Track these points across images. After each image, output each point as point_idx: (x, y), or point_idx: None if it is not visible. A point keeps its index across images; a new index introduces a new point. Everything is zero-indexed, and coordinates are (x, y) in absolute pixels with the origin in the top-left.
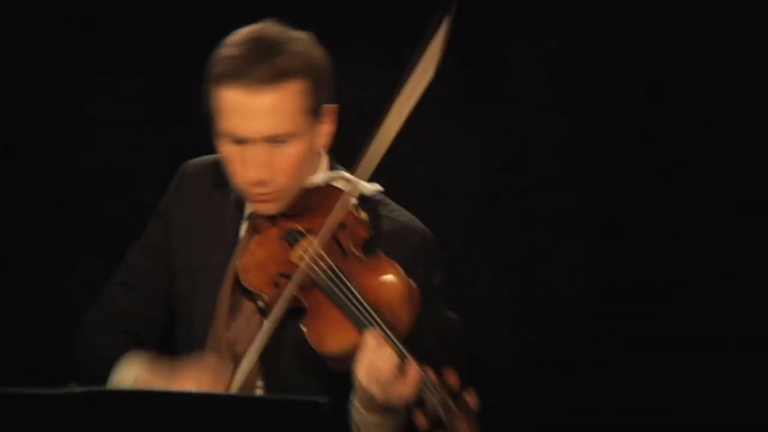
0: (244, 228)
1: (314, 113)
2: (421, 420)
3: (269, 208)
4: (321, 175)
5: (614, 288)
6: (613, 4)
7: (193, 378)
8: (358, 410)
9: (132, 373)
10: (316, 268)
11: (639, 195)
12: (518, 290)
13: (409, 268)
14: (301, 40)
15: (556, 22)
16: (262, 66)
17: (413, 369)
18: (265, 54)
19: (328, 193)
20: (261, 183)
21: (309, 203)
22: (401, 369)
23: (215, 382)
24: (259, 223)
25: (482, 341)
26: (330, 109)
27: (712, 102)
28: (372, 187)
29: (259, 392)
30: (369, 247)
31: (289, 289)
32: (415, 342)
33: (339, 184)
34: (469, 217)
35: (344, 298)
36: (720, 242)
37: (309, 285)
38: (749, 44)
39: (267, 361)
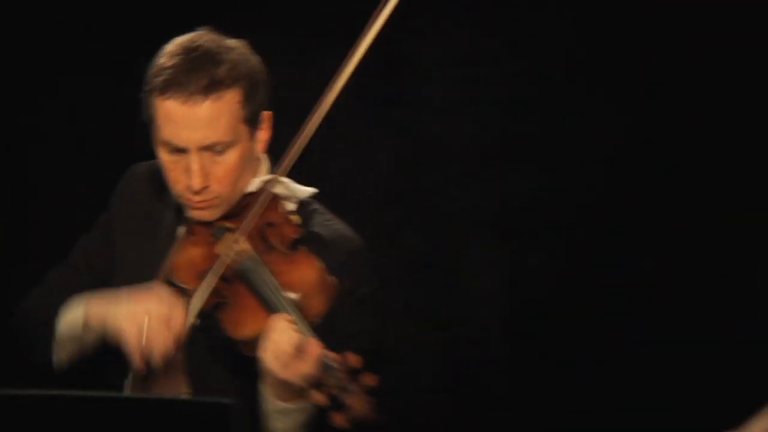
0: (181, 231)
1: (252, 121)
2: (319, 398)
3: (207, 215)
4: (256, 180)
5: (521, 288)
6: (522, 4)
7: (154, 296)
8: (265, 399)
9: (80, 311)
10: (237, 258)
11: (545, 195)
12: (425, 290)
13: (338, 275)
14: (236, 48)
15: (464, 22)
16: (200, 76)
17: (313, 347)
18: (202, 64)
19: (260, 196)
20: (199, 191)
21: (244, 206)
22: (302, 348)
23: (172, 303)
24: (194, 226)
25: (389, 341)
26: (267, 115)
27: (619, 102)
28: (307, 190)
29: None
30: (295, 246)
31: (210, 278)
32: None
33: (274, 187)
34: (376, 217)
35: (260, 285)
36: (622, 240)
37: (231, 277)
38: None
39: (193, 365)
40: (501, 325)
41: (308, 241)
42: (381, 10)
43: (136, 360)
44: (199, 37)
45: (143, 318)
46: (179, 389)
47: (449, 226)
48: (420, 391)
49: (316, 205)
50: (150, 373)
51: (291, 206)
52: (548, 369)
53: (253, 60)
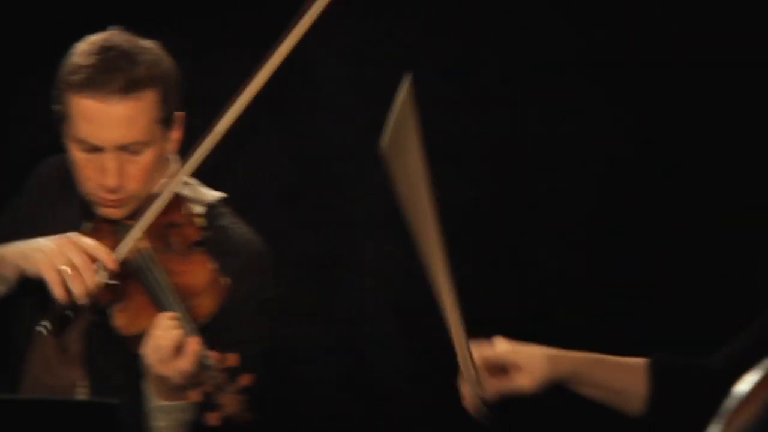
0: (86, 226)
1: (166, 122)
2: (195, 395)
3: (117, 213)
4: (164, 181)
5: (415, 286)
6: (415, 4)
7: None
8: (149, 398)
9: None
10: (134, 255)
11: (438, 193)
12: (320, 289)
13: (238, 279)
14: (152, 49)
15: (357, 22)
16: (118, 76)
17: (192, 345)
18: (120, 64)
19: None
20: (112, 190)
21: (149, 205)
22: (181, 345)
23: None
24: (99, 223)
25: (282, 340)
26: (179, 116)
27: (512, 99)
28: (215, 194)
29: (83, 393)
30: (195, 248)
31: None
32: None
33: (177, 188)
34: (271, 217)
35: (153, 283)
36: (507, 237)
37: (126, 274)
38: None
39: (91, 360)
40: (396, 323)
41: (211, 244)
42: (298, 21)
43: (57, 289)
44: (114, 36)
45: (63, 251)
46: (76, 381)
47: (343, 225)
48: (317, 389)
49: (224, 209)
50: (71, 309)
51: (198, 209)
52: (444, 366)
53: (168, 61)
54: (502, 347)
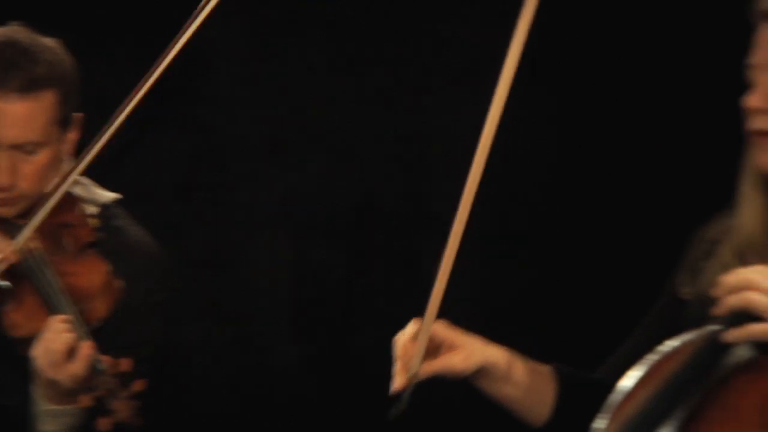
0: None
1: (64, 123)
2: (86, 400)
3: (6, 211)
4: (56, 180)
5: (308, 284)
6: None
7: None
8: (37, 402)
9: None
10: (25, 255)
11: (332, 191)
12: (213, 286)
13: (132, 282)
14: (53, 48)
15: (254, 19)
16: (18, 74)
17: (85, 349)
18: (20, 62)
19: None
20: (3, 188)
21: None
22: (73, 349)
23: None
24: None
25: (175, 340)
26: (77, 117)
27: (399, 97)
28: (109, 195)
29: None
30: (88, 249)
31: None
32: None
33: (75, 189)
34: (164, 214)
35: (43, 284)
36: (407, 236)
37: (16, 275)
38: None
39: None
40: (289, 321)
41: (104, 245)
42: (193, 19)
43: None
44: (14, 32)
45: None
46: None
47: (237, 222)
48: (210, 388)
49: (118, 211)
50: None
51: (92, 209)
52: (335, 366)
53: (69, 61)
54: (441, 327)
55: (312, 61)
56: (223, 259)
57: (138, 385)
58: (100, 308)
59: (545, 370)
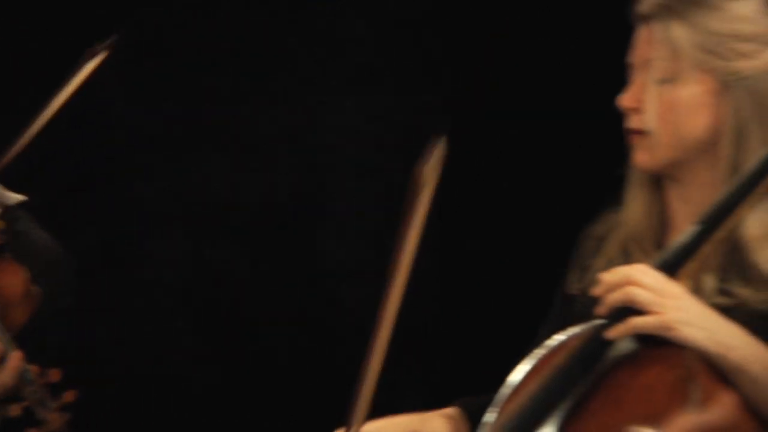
0: None
1: None
2: (15, 410)
3: None
4: None
5: (204, 280)
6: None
7: None
8: None
9: None
10: None
11: (231, 188)
12: (108, 283)
13: (38, 285)
14: None
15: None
16: None
17: (13, 360)
18: None
19: None
20: None
21: None
22: (1, 359)
23: None
24: None
25: (77, 339)
26: None
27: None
28: (14, 197)
29: None
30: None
31: None
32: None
33: None
34: (58, 209)
35: None
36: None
37: None
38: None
39: None
40: (184, 319)
41: (11, 248)
42: None
43: None
44: None
45: None
46: None
47: (132, 218)
48: (112, 387)
49: (21, 213)
50: None
51: None
52: (236, 360)
53: None
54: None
55: (211, 58)
56: (118, 257)
57: (68, 396)
58: (21, 315)
59: (455, 413)
